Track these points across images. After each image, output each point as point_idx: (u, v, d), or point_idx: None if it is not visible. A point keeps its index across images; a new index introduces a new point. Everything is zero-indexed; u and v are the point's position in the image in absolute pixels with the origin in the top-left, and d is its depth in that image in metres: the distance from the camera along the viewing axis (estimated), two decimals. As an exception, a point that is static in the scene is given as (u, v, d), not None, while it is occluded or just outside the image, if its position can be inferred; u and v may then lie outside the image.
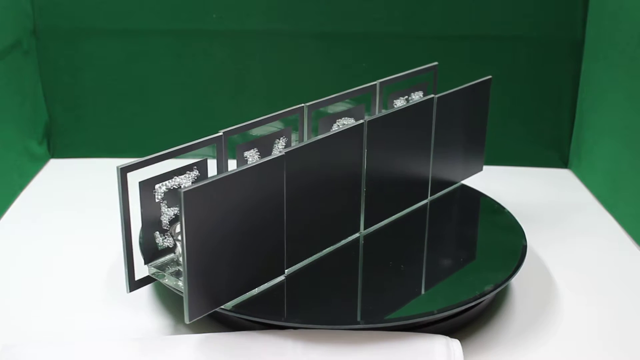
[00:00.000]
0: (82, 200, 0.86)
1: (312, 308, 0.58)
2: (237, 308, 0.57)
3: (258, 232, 0.56)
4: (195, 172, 0.59)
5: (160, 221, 0.58)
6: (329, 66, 0.95)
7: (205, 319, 0.62)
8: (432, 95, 0.70)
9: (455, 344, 0.56)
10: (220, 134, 0.60)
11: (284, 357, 0.54)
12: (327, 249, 0.64)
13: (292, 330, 0.56)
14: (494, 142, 0.98)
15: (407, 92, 0.74)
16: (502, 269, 0.63)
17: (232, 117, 0.97)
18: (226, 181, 0.53)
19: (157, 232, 0.58)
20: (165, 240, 0.59)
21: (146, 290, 0.66)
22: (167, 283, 0.58)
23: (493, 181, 0.91)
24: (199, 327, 0.61)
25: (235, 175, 0.53)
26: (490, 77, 0.77)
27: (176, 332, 0.61)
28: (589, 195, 0.90)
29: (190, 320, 0.52)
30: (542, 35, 0.93)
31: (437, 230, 0.72)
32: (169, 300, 0.65)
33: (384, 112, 0.66)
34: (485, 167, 0.96)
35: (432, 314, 0.57)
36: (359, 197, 0.66)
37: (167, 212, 0.58)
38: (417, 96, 0.75)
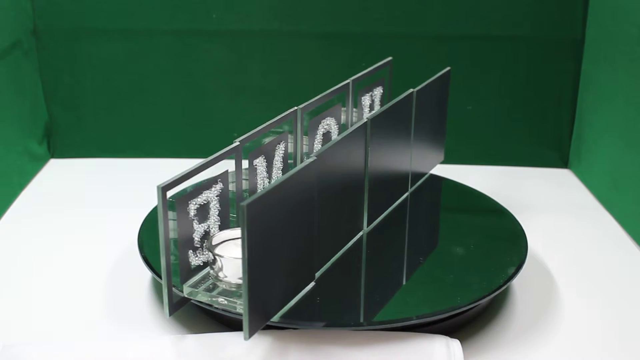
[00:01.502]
0: (82, 200, 0.86)
1: (314, 308, 0.58)
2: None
3: (299, 239, 0.56)
4: (220, 185, 0.58)
5: (193, 239, 0.57)
6: (329, 66, 0.95)
7: (205, 318, 0.62)
8: (411, 90, 0.71)
9: (455, 344, 0.56)
10: (237, 143, 0.60)
11: (285, 357, 0.54)
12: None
13: (293, 330, 0.56)
14: (494, 142, 0.98)
15: (370, 89, 0.76)
16: (504, 270, 0.63)
17: (232, 117, 0.97)
18: (278, 190, 0.52)
19: (191, 251, 0.56)
20: (197, 258, 0.57)
21: (146, 291, 0.66)
22: (202, 299, 0.56)
23: (493, 181, 0.91)
24: (198, 327, 0.61)
25: (283, 183, 0.52)
26: (449, 68, 0.78)
27: (176, 332, 0.61)
28: (589, 195, 0.90)
29: (249, 337, 0.51)
30: (542, 35, 0.93)
31: (437, 230, 0.72)
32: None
33: (381, 109, 0.67)
34: (485, 167, 0.97)
35: (426, 316, 0.57)
36: (363, 195, 0.66)
37: (199, 229, 0.57)
38: (378, 92, 0.77)
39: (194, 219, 0.56)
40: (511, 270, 0.62)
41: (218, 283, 0.57)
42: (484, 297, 0.59)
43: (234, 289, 0.56)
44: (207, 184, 0.57)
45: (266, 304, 0.53)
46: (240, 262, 0.54)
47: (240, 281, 0.55)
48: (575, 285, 0.69)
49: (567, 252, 0.75)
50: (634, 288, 0.69)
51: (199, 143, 0.98)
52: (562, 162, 0.98)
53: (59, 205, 0.85)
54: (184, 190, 0.56)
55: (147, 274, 0.65)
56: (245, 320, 0.50)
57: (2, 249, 0.75)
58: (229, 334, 0.56)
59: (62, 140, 0.98)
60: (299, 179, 0.54)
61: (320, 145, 0.68)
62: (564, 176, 0.96)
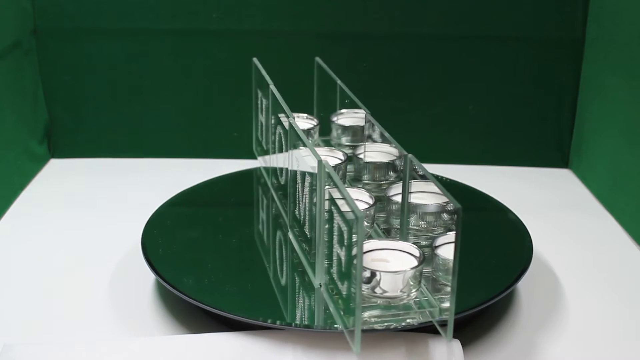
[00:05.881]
0: (82, 200, 0.86)
1: (314, 309, 0.58)
2: (239, 308, 0.57)
3: None
4: None
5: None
6: (329, 66, 0.95)
7: (206, 318, 0.62)
8: (337, 80, 0.74)
9: (455, 344, 0.56)
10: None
11: (284, 357, 0.54)
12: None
13: (293, 330, 0.56)
14: (494, 142, 0.98)
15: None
16: (509, 271, 0.62)
17: (232, 118, 0.97)
18: None
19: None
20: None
21: (148, 292, 0.66)
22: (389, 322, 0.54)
23: (493, 181, 0.91)
24: (199, 327, 0.61)
25: None
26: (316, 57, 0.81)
27: (177, 332, 0.61)
28: (589, 195, 0.90)
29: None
30: (542, 35, 0.93)
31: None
32: (169, 301, 0.65)
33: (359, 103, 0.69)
34: (485, 167, 0.97)
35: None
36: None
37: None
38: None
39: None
40: (516, 272, 0.62)
41: (374, 300, 0.55)
42: (489, 300, 0.58)
43: (396, 303, 0.55)
44: None
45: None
46: (398, 275, 0.54)
47: (401, 293, 0.54)
48: (575, 285, 0.69)
49: (568, 252, 0.75)
50: (634, 288, 0.69)
51: (199, 143, 0.98)
52: (562, 162, 0.98)
53: (59, 205, 0.85)
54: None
55: (149, 274, 0.65)
56: (450, 324, 0.51)
57: (2, 249, 0.75)
58: (229, 334, 0.56)
59: (62, 140, 0.98)
60: None
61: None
62: (564, 176, 0.96)
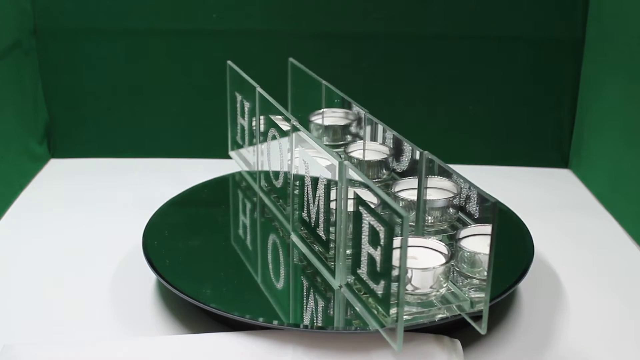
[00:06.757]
0: (82, 200, 0.86)
1: (315, 309, 0.58)
2: (239, 309, 0.57)
3: None
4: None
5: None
6: (329, 66, 0.95)
7: (207, 318, 0.62)
8: (322, 81, 0.75)
9: (455, 344, 0.56)
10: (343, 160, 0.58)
11: (284, 357, 0.54)
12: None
13: (293, 331, 0.56)
14: (494, 142, 0.98)
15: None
16: (510, 271, 0.62)
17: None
18: None
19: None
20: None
21: (148, 292, 0.66)
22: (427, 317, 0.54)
23: (493, 181, 0.91)
24: (200, 327, 0.61)
25: None
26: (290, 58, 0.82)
27: (177, 332, 0.61)
28: (589, 195, 0.90)
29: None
30: (542, 35, 0.93)
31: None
32: (169, 301, 0.65)
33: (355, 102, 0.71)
34: (485, 167, 0.97)
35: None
36: None
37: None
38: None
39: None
40: (517, 272, 0.62)
41: (405, 297, 0.54)
42: (491, 300, 0.58)
43: (426, 299, 0.55)
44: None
45: None
46: (428, 272, 0.54)
47: (431, 290, 0.55)
48: (574, 285, 0.69)
49: (568, 252, 0.75)
50: (634, 288, 0.69)
51: (199, 143, 0.98)
52: (562, 162, 0.98)
53: (59, 205, 0.85)
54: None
55: (149, 275, 0.65)
56: (485, 314, 0.52)
57: (2, 249, 0.75)
58: (229, 334, 0.56)
59: (62, 140, 0.98)
60: None
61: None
62: (564, 176, 0.96)
